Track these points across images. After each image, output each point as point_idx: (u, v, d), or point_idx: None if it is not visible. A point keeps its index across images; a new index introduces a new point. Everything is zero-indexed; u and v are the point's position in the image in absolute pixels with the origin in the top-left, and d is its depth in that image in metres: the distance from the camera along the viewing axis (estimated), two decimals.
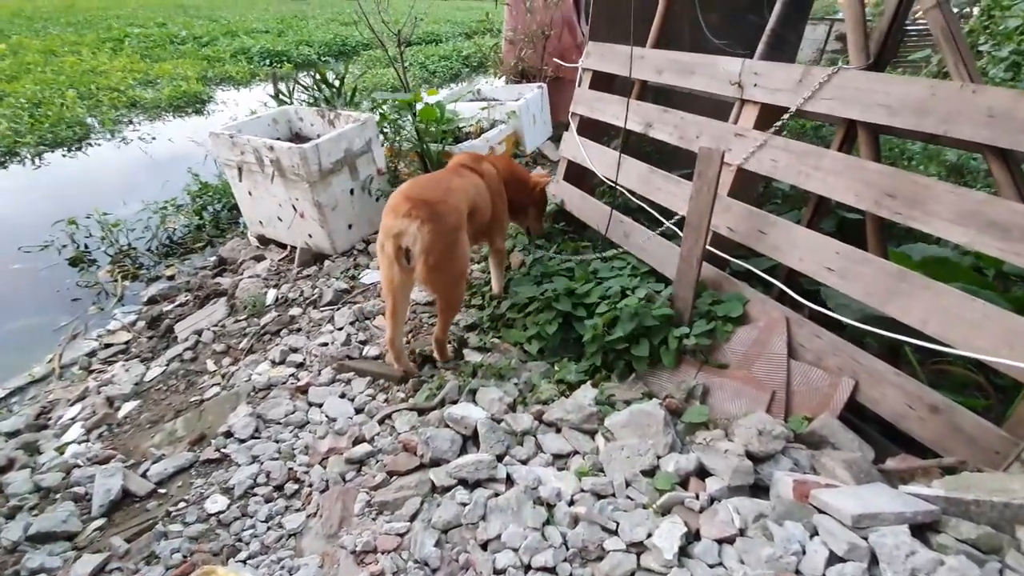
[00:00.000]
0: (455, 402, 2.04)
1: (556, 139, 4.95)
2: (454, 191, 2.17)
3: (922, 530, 1.25)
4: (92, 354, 2.95)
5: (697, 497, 1.49)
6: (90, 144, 6.42)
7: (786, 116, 2.06)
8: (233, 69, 9.80)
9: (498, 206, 2.52)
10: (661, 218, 2.59)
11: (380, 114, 3.77)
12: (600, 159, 3.01)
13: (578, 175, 3.30)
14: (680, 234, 2.26)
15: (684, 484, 1.57)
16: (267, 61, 10.60)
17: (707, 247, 2.15)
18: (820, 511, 1.33)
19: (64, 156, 6.05)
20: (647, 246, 2.65)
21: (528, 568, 1.38)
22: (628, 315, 2.11)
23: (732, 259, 2.28)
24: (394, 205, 2.05)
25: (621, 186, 2.81)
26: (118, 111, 7.40)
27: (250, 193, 3.53)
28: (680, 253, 2.16)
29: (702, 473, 1.59)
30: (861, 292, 1.79)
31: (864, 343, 1.94)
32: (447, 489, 1.65)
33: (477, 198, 2.34)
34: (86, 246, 4.10)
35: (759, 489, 1.53)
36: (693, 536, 1.40)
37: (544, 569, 1.37)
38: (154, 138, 6.69)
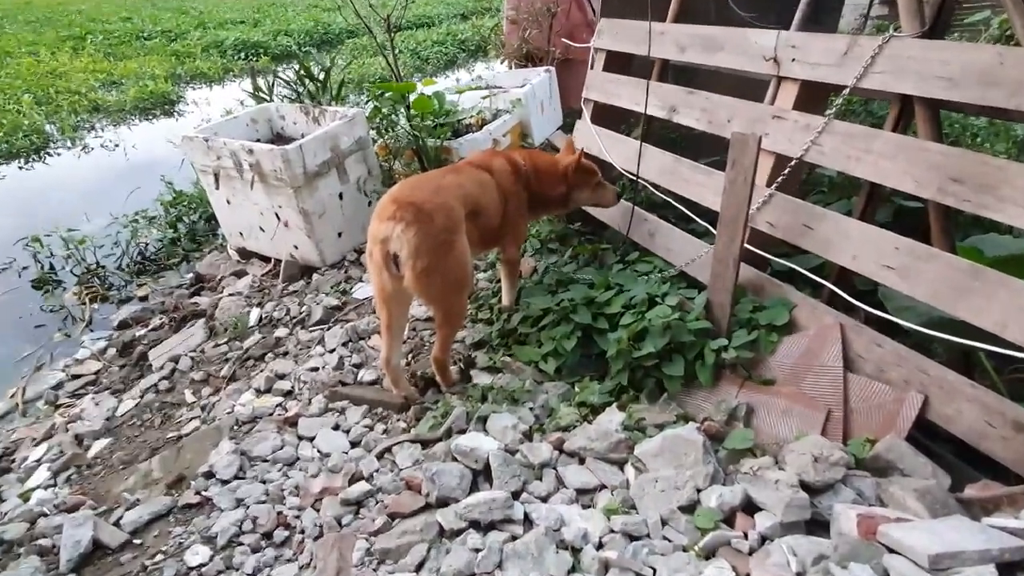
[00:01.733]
0: (463, 431, 2.02)
1: (568, 128, 4.92)
2: (446, 189, 2.19)
3: (1011, 569, 1.20)
4: (59, 387, 2.97)
5: (745, 536, 1.46)
6: (49, 154, 6.54)
7: (842, 96, 2.02)
8: (205, 65, 9.95)
9: (512, 208, 2.50)
10: (690, 213, 2.56)
11: (374, 106, 3.80)
12: (618, 150, 2.98)
13: None
14: (712, 231, 2.23)
15: (729, 521, 1.53)
16: (242, 54, 10.75)
17: (745, 245, 2.11)
18: (891, 550, 1.29)
19: (21, 168, 6.16)
20: (672, 245, 2.61)
21: None
22: (659, 329, 2.08)
23: (774, 258, 2.24)
24: (380, 208, 2.11)
25: (643, 179, 2.78)
26: (79, 116, 7.54)
27: (228, 201, 3.54)
28: (714, 253, 2.12)
29: (750, 508, 1.55)
30: (926, 293, 1.75)
31: (931, 351, 1.91)
32: (457, 533, 1.62)
33: (481, 197, 2.34)
34: (51, 266, 4.14)
35: (817, 525, 1.49)
36: None
37: None
38: (116, 145, 6.79)
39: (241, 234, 3.69)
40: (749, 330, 2.10)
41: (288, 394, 2.49)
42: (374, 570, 1.59)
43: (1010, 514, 1.39)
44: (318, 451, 2.13)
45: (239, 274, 3.65)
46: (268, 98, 4.38)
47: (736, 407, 1.93)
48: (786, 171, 2.15)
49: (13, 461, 2.46)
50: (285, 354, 2.78)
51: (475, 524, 1.63)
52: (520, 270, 2.79)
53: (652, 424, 1.91)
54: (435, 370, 2.34)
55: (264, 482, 2.02)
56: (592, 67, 3.22)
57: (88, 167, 6.16)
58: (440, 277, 2.08)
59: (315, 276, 3.40)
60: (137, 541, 1.88)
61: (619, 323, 2.24)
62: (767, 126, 2.23)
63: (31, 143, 6.55)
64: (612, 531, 1.55)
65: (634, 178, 2.82)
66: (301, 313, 3.06)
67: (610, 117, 3.18)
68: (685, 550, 1.46)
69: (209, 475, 2.07)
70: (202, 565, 1.74)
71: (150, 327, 3.30)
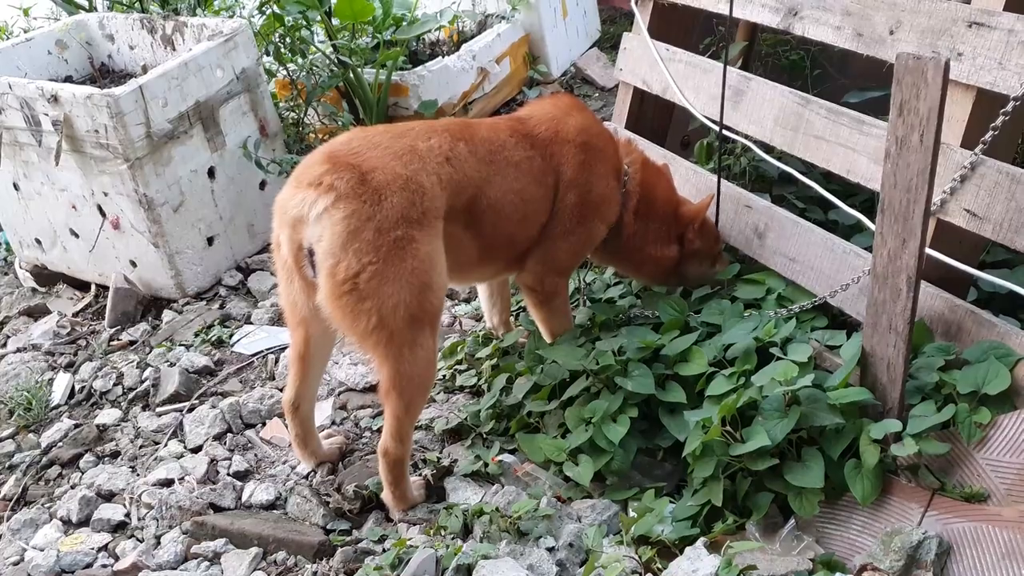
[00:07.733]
0: None
1: (608, 46, 5.03)
2: (422, 156, 2.27)
3: None
4: None
5: None
6: None
7: None
8: None
9: (568, 202, 2.55)
10: (829, 195, 2.56)
11: (270, 14, 3.85)
12: (697, 83, 3.06)
13: (654, 117, 3.38)
14: (869, 226, 2.28)
15: None
16: None
17: (928, 251, 2.12)
18: None
19: None
20: (799, 252, 2.61)
21: None
22: (777, 404, 2.13)
23: (981, 274, 2.28)
24: (303, 167, 2.22)
25: (741, 135, 2.86)
26: None
27: (17, 187, 3.60)
28: (873, 267, 2.15)
29: None
30: None
31: None
32: None
33: (495, 184, 2.40)
34: None
35: None
36: None
37: None
38: None
39: (39, 242, 3.74)
40: (939, 404, 2.13)
41: (120, 528, 2.47)
42: None
43: None
44: None
45: (34, 313, 3.70)
46: (87, 5, 4.40)
47: (920, 543, 1.96)
48: (998, 121, 2.15)
49: None
50: (115, 456, 2.77)
51: None
52: (554, 315, 2.72)
53: None
54: (381, 476, 2.34)
55: None
56: None
57: None
58: (377, 301, 2.12)
59: (168, 315, 3.47)
60: None
61: (706, 394, 2.30)
62: (960, 41, 2.25)
63: None
64: None
65: (725, 133, 2.89)
66: (143, 382, 3.10)
67: (681, 26, 3.30)
68: None
69: None
70: None
71: None
